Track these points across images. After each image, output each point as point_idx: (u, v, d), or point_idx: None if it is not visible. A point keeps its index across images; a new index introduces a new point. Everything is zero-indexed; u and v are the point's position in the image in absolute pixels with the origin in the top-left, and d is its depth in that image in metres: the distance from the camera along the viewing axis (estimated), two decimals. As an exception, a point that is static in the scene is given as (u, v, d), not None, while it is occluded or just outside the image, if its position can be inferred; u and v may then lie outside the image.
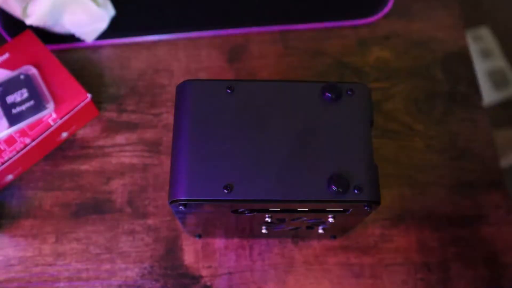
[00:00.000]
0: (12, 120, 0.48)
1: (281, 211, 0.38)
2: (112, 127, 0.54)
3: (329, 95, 0.36)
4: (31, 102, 0.48)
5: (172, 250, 0.49)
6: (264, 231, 0.45)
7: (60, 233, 0.50)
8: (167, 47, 0.57)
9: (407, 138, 0.54)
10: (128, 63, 0.56)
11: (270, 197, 0.34)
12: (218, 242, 0.50)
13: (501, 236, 0.51)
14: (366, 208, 0.35)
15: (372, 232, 0.51)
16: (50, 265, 0.48)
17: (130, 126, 0.54)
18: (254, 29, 0.58)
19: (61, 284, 0.48)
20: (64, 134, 0.52)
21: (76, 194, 0.51)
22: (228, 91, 0.36)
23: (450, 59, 0.58)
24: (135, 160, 0.52)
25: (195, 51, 0.57)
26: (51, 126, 0.49)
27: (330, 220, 0.39)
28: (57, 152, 0.52)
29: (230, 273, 0.49)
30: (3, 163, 0.47)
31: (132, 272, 0.48)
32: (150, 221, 0.50)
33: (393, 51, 0.58)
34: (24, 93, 0.49)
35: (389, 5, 0.58)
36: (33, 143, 0.49)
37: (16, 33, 0.53)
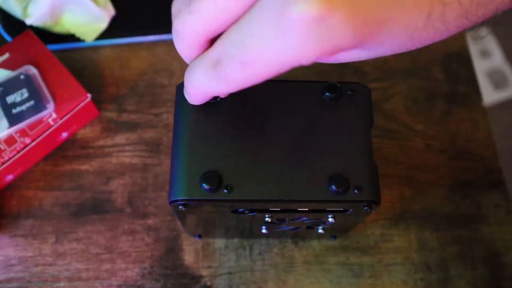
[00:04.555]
0: (12, 120, 0.48)
1: (281, 211, 0.38)
2: (112, 127, 0.54)
3: (329, 95, 0.36)
4: (31, 102, 0.48)
5: (172, 250, 0.49)
6: (264, 231, 0.45)
7: (60, 233, 0.50)
8: (167, 47, 0.57)
9: (407, 138, 0.54)
10: (128, 63, 0.56)
11: (270, 197, 0.34)
12: (218, 242, 0.50)
13: (501, 236, 0.51)
14: (366, 208, 0.35)
15: (372, 232, 0.51)
16: (50, 265, 0.49)
17: (130, 126, 0.54)
18: (254, 29, 0.57)
19: (61, 284, 0.48)
20: (64, 134, 0.52)
21: (76, 194, 0.51)
22: None
23: (450, 59, 0.58)
24: (135, 160, 0.52)
25: (195, 51, 0.57)
26: (51, 126, 0.49)
27: (330, 220, 0.39)
28: (57, 152, 0.52)
29: (230, 273, 0.49)
30: (3, 163, 0.47)
31: (132, 272, 0.49)
32: (150, 221, 0.50)
33: (393, 51, 0.58)
34: (24, 93, 0.49)
35: (389, 5, 0.58)
36: (33, 143, 0.49)
37: (16, 33, 0.53)
